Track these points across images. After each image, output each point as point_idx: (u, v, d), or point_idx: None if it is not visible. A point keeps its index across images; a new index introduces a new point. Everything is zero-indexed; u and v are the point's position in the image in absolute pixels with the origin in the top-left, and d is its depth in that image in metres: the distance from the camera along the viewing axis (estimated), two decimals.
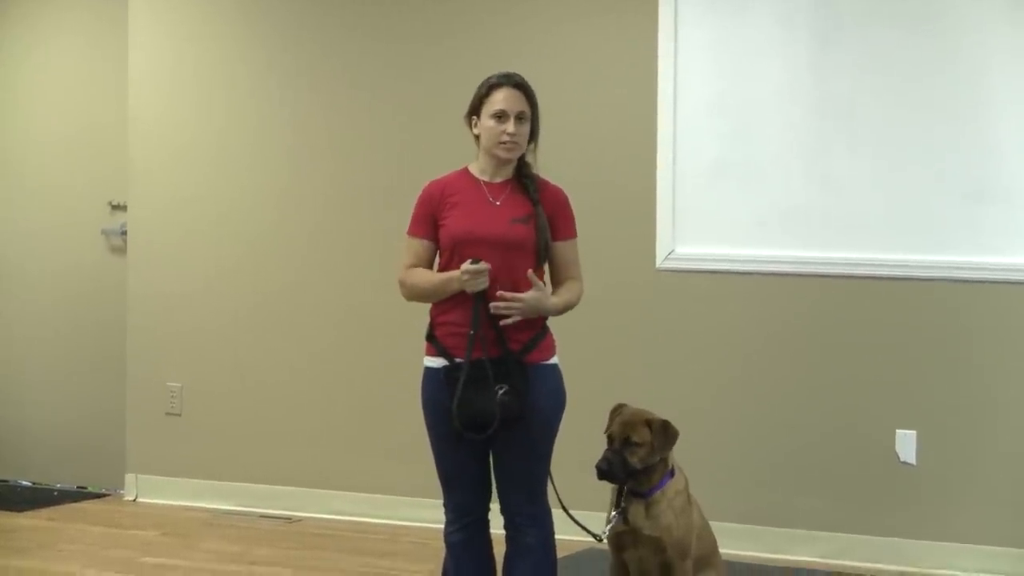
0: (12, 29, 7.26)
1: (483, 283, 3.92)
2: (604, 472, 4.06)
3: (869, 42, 5.57)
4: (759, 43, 5.73)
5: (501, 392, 3.91)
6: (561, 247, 4.12)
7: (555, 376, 4.07)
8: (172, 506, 6.61)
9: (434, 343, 4.06)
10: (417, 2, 6.28)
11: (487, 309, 3.94)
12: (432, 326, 4.08)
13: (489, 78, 4.09)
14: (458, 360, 3.97)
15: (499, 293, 3.94)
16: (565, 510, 4.10)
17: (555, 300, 4.06)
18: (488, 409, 3.89)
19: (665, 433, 4.11)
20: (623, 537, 4.12)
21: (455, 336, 4.00)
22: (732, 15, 5.76)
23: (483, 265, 3.92)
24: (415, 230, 4.12)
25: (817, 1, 5.65)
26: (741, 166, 5.76)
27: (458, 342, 3.98)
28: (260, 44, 6.58)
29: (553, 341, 4.09)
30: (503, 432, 3.94)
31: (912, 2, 5.53)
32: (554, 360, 4.08)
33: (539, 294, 3.98)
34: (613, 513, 4.12)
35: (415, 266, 4.10)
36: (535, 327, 4.02)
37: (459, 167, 4.17)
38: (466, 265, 3.92)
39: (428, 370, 4.08)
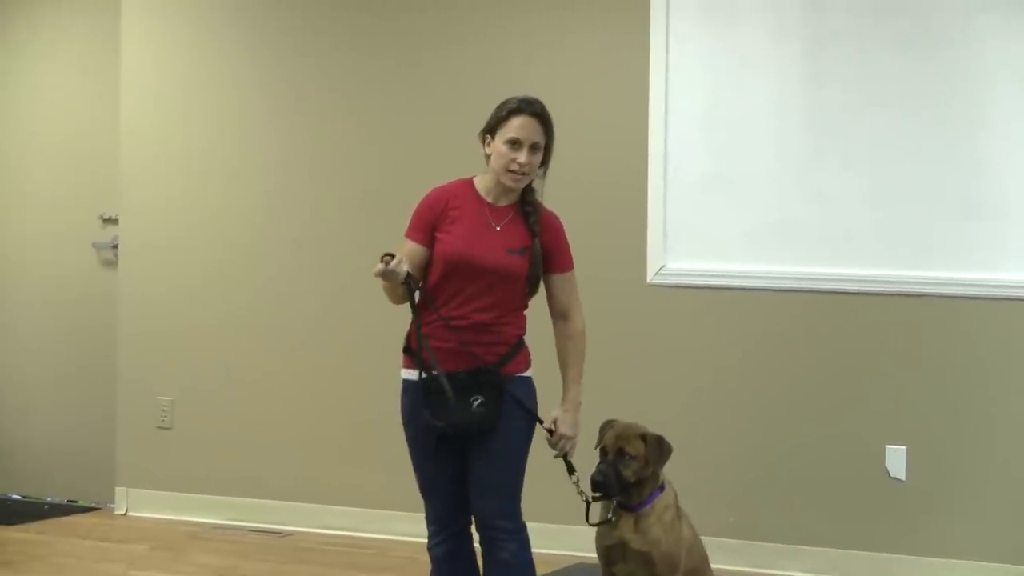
0: (3, 44, 7.27)
1: (401, 273, 3.88)
2: (599, 484, 4.05)
3: (861, 57, 5.59)
4: (751, 58, 5.74)
5: (476, 403, 3.92)
6: (559, 279, 4.12)
7: (528, 388, 4.08)
8: (162, 520, 6.59)
9: (410, 355, 4.06)
10: (404, 13, 6.29)
11: (419, 296, 3.97)
12: (409, 338, 4.08)
13: (509, 101, 4.03)
14: (434, 372, 3.95)
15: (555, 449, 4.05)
16: (569, 464, 4.09)
17: (576, 387, 4.11)
18: (462, 420, 3.91)
19: (659, 447, 4.11)
20: (612, 551, 4.12)
21: (429, 349, 3.97)
22: (724, 30, 5.78)
23: (389, 266, 3.87)
24: (411, 234, 4.10)
25: (809, 16, 5.66)
26: (732, 181, 5.76)
27: (432, 355, 3.96)
28: (250, 56, 6.59)
29: (528, 355, 4.10)
30: (477, 443, 3.96)
31: (905, 18, 5.55)
32: (528, 373, 4.09)
33: (566, 415, 4.05)
34: (610, 514, 4.12)
35: None
36: (509, 342, 4.04)
37: (447, 175, 4.16)
38: (377, 269, 3.89)
39: (405, 382, 4.09)
